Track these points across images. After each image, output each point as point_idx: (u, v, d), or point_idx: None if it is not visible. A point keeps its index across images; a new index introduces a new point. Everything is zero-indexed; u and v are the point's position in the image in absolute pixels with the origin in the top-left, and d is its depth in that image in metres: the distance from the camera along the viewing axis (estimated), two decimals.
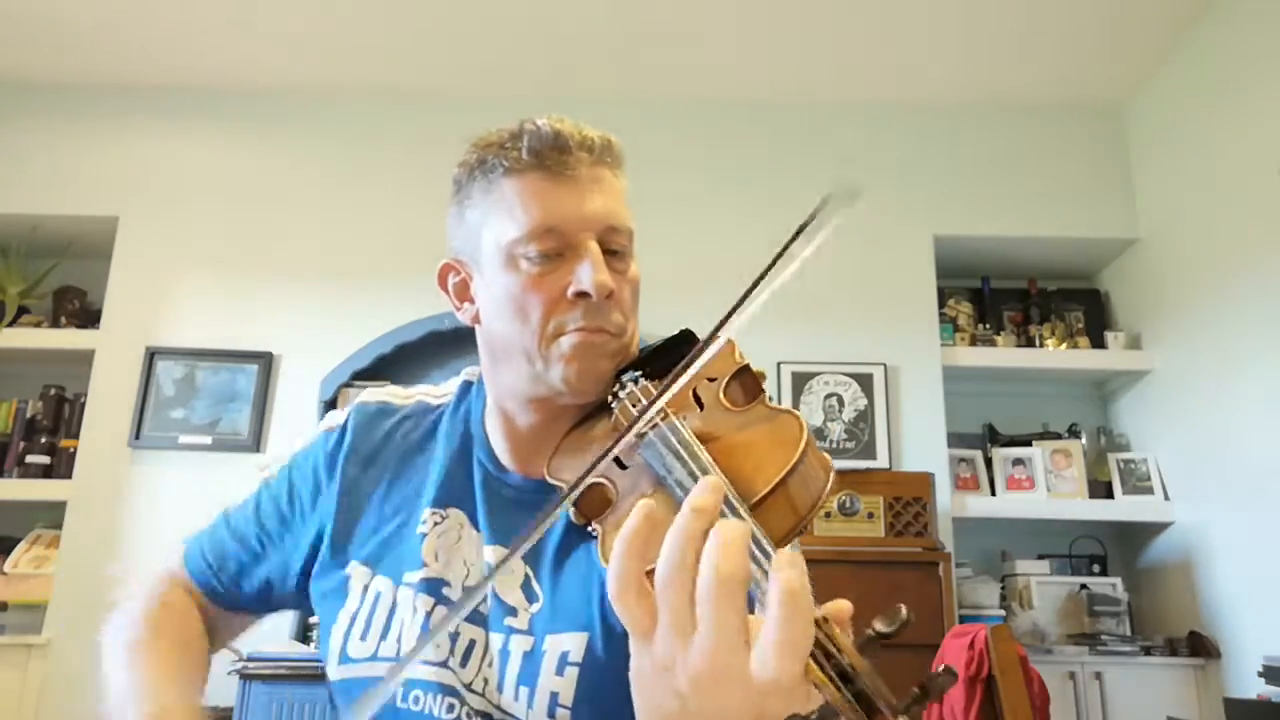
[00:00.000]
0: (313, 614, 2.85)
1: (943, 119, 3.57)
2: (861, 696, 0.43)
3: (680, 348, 0.82)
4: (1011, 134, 3.55)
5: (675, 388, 0.63)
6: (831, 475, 0.59)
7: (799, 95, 3.55)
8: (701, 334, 0.75)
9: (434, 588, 0.85)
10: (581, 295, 0.78)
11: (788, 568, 0.46)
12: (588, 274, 0.78)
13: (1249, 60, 2.86)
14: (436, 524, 0.87)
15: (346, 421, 0.96)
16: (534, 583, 0.83)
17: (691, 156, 3.52)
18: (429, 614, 0.83)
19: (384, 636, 0.84)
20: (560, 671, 0.78)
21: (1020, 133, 3.56)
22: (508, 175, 0.80)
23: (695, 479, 0.57)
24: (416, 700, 0.82)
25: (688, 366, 0.63)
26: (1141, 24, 3.12)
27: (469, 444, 0.91)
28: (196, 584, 0.98)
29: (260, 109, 3.56)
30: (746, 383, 0.73)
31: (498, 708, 0.80)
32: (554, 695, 0.78)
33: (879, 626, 0.46)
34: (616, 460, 0.71)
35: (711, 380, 0.73)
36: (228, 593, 0.97)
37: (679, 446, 0.63)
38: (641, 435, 0.68)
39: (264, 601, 0.97)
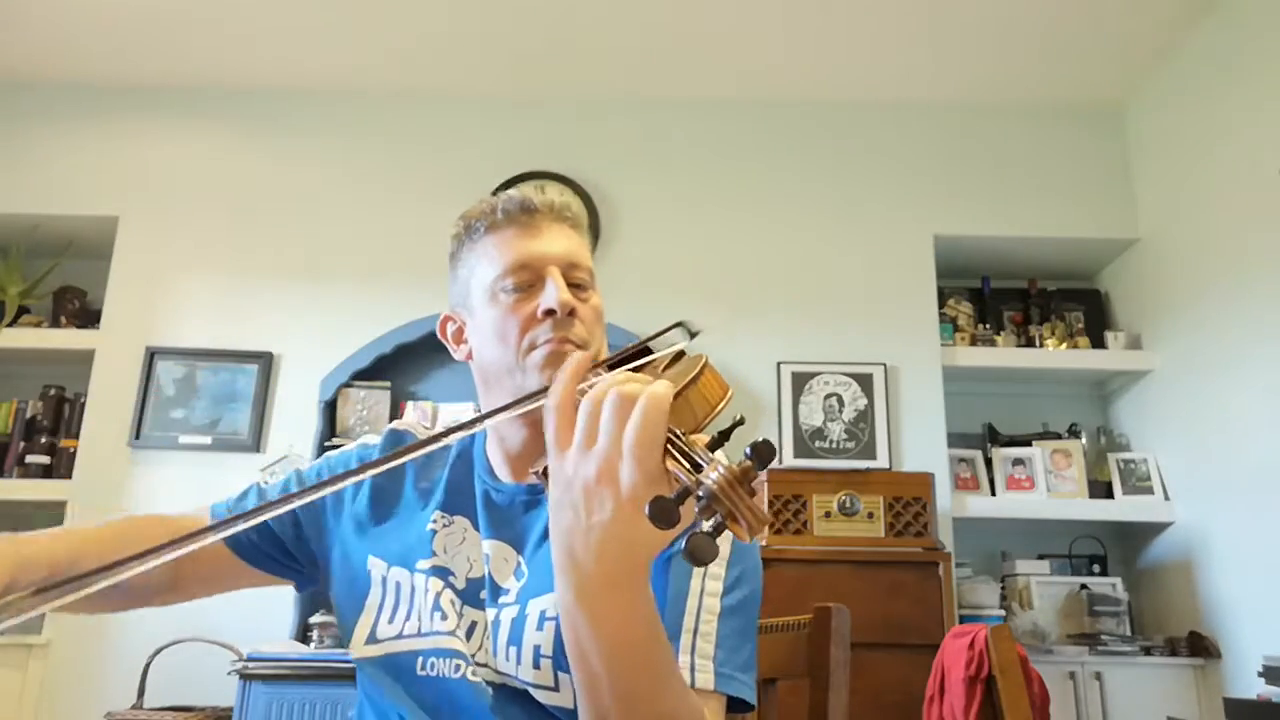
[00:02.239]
0: (311, 614, 2.86)
1: (943, 119, 3.57)
2: (703, 467, 0.58)
3: (639, 355, 0.95)
4: (1011, 134, 3.55)
5: (626, 367, 0.80)
6: (729, 394, 0.74)
7: (800, 95, 3.55)
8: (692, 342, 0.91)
9: (443, 574, 0.98)
10: (549, 312, 0.95)
11: (651, 397, 0.63)
12: (552, 293, 0.95)
13: (1249, 60, 2.86)
14: (445, 525, 1.01)
15: (382, 438, 1.12)
16: (522, 565, 0.97)
17: (691, 156, 3.52)
18: (438, 595, 0.97)
19: (408, 618, 0.97)
20: (540, 627, 0.90)
21: (1020, 133, 3.56)
22: (488, 232, 1.01)
23: None
24: (432, 667, 0.94)
25: (635, 357, 0.83)
26: (1141, 24, 3.12)
27: (472, 465, 1.06)
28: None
29: (260, 109, 3.56)
30: (680, 356, 0.87)
31: (496, 672, 0.92)
32: (536, 648, 0.89)
33: (721, 431, 0.64)
34: None
35: (657, 364, 0.88)
36: (247, 540, 1.06)
37: None
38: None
39: (274, 559, 1.08)
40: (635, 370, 0.80)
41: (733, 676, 0.85)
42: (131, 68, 3.47)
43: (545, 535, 0.95)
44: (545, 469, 0.82)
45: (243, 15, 3.19)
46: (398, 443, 1.09)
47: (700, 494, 0.56)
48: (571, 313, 0.95)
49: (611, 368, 0.90)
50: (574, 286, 0.98)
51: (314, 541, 1.07)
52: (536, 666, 0.89)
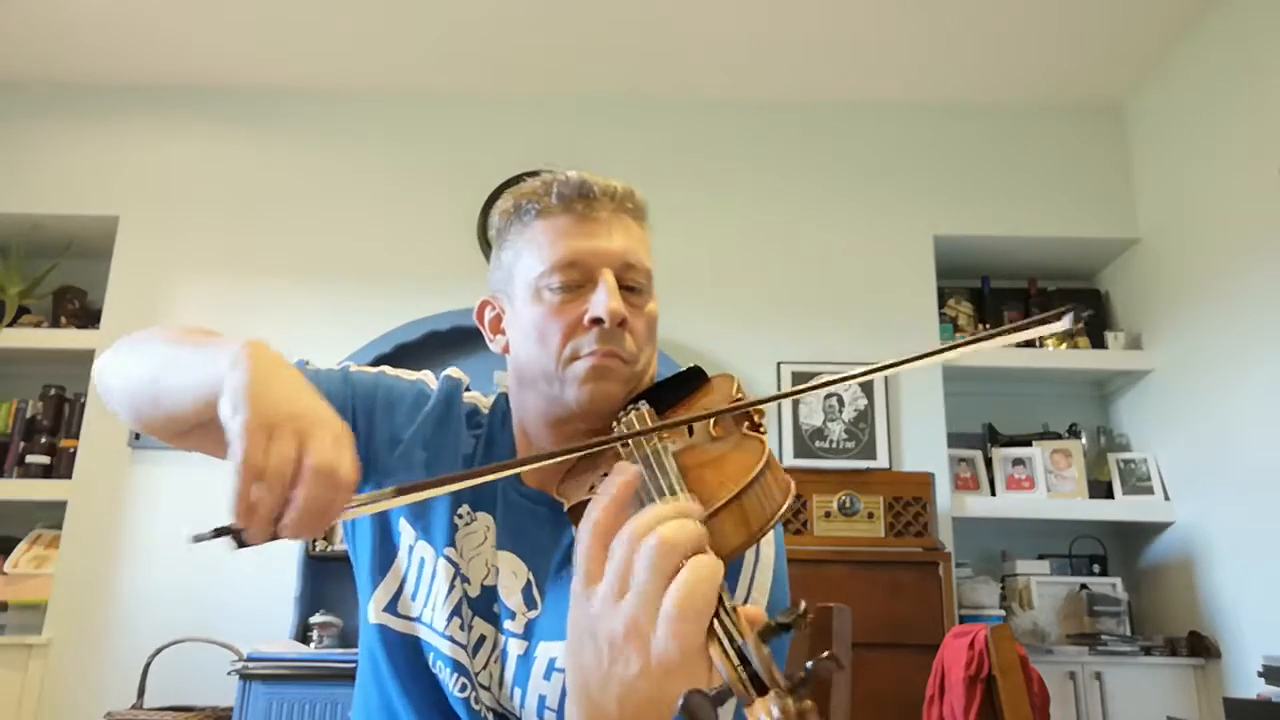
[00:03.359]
0: (311, 613, 2.86)
1: (943, 119, 3.57)
2: (755, 677, 0.49)
3: (689, 383, 0.88)
4: (1011, 134, 3.55)
5: (673, 423, 0.72)
6: (790, 496, 0.66)
7: (800, 95, 3.55)
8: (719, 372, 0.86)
9: (463, 579, 0.91)
10: (596, 321, 0.85)
11: (703, 563, 0.54)
12: (602, 300, 0.84)
13: (1249, 60, 2.86)
14: (468, 523, 0.93)
15: (439, 386, 1.01)
16: (534, 589, 0.89)
17: (691, 156, 3.52)
18: (460, 600, 0.89)
19: (427, 603, 0.91)
20: (548, 676, 0.83)
21: (1020, 133, 3.55)
22: (539, 218, 0.89)
23: (664, 494, 0.64)
24: (440, 669, 0.89)
25: (697, 417, 0.74)
26: (1141, 24, 3.12)
27: (499, 456, 0.97)
28: None
29: (260, 109, 3.56)
30: (739, 415, 0.78)
31: (498, 702, 0.87)
32: (542, 698, 0.83)
33: (779, 619, 0.52)
34: (606, 475, 0.77)
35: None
36: None
37: (655, 466, 0.69)
38: (625, 444, 0.75)
39: None
40: (683, 421, 0.73)
41: None
42: (131, 68, 3.47)
43: (564, 562, 0.88)
44: (573, 507, 0.76)
45: (243, 15, 3.19)
46: (452, 393, 0.99)
47: None
48: (622, 323, 0.85)
49: (652, 399, 0.84)
50: (627, 290, 0.88)
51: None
52: (540, 717, 0.83)
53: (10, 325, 3.33)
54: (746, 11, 3.12)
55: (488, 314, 0.98)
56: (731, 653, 0.51)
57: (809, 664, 0.47)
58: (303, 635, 2.93)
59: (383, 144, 3.53)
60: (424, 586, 0.92)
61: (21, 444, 3.25)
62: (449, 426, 0.97)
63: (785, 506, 0.65)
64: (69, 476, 3.15)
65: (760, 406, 0.75)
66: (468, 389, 1.03)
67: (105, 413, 3.19)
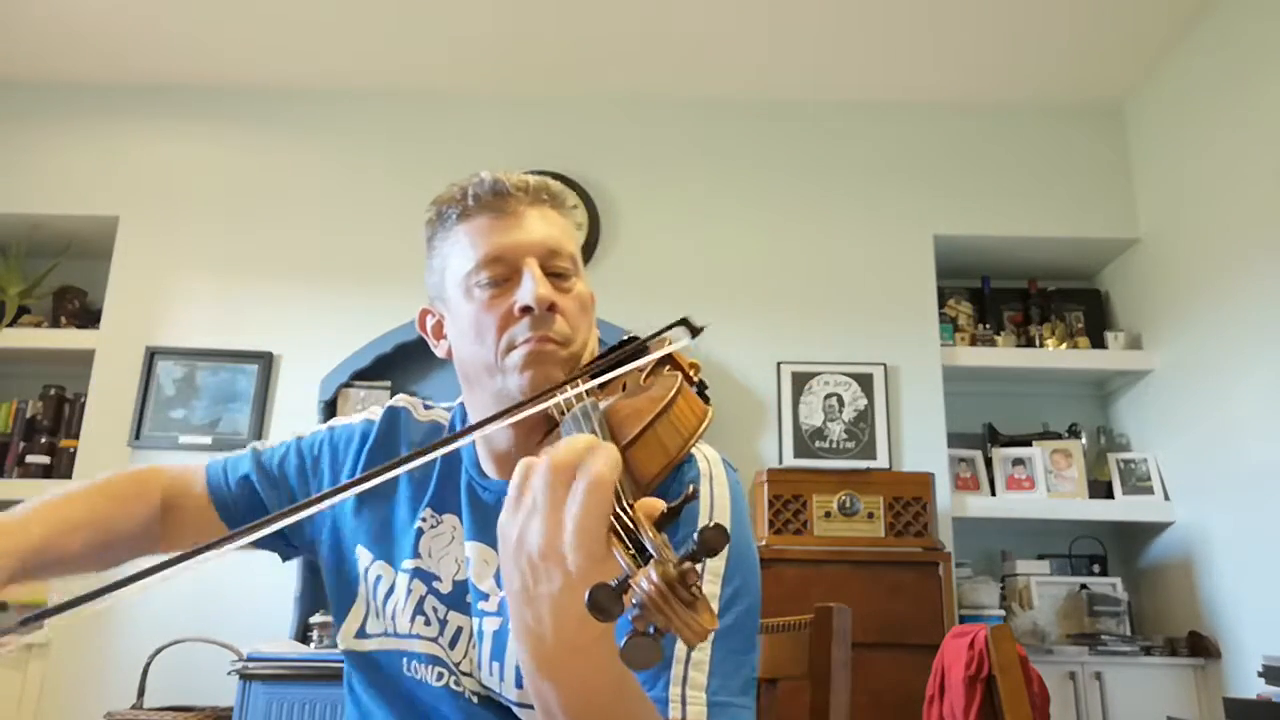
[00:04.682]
0: (311, 613, 2.86)
1: (943, 119, 3.57)
2: (646, 555, 0.52)
3: (623, 349, 0.91)
4: (1011, 134, 3.55)
5: (610, 375, 0.78)
6: (706, 420, 0.69)
7: (800, 95, 3.55)
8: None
9: (426, 578, 0.95)
10: (525, 310, 0.88)
11: (591, 474, 0.56)
12: (529, 289, 0.88)
13: (1249, 60, 2.86)
14: (433, 526, 0.97)
15: (381, 416, 1.07)
16: None
17: (691, 156, 3.52)
18: (421, 599, 0.94)
19: (392, 616, 0.95)
20: None
21: (1020, 133, 3.56)
22: (460, 221, 0.96)
23: None
24: (415, 670, 0.92)
25: (610, 369, 0.80)
26: (1141, 24, 3.12)
27: (459, 459, 1.00)
28: (208, 484, 1.06)
29: (260, 109, 3.56)
30: (667, 362, 0.83)
31: (482, 685, 0.89)
32: (519, 667, 0.84)
33: (672, 504, 0.56)
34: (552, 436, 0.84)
35: (641, 369, 0.83)
36: (234, 503, 1.06)
37: (582, 420, 0.75)
38: (563, 413, 0.80)
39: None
40: (620, 376, 0.77)
41: (728, 704, 0.78)
42: (131, 68, 3.47)
43: None
44: (488, 426, 0.79)
45: (243, 15, 3.19)
46: (395, 420, 1.06)
47: (634, 601, 0.50)
48: (551, 307, 0.89)
49: (596, 374, 0.87)
50: (554, 276, 0.92)
51: (306, 521, 1.03)
52: (519, 685, 0.85)
53: (10, 325, 3.33)
54: (747, 12, 3.12)
55: (429, 321, 1.04)
56: (629, 543, 0.54)
57: (697, 533, 0.50)
58: (303, 635, 2.93)
59: (383, 144, 3.53)
60: (385, 602, 0.95)
61: (21, 444, 3.26)
62: (403, 446, 1.03)
63: (702, 425, 0.68)
64: (69, 476, 3.16)
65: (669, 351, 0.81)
66: (428, 406, 1.08)
67: (105, 412, 3.20)
